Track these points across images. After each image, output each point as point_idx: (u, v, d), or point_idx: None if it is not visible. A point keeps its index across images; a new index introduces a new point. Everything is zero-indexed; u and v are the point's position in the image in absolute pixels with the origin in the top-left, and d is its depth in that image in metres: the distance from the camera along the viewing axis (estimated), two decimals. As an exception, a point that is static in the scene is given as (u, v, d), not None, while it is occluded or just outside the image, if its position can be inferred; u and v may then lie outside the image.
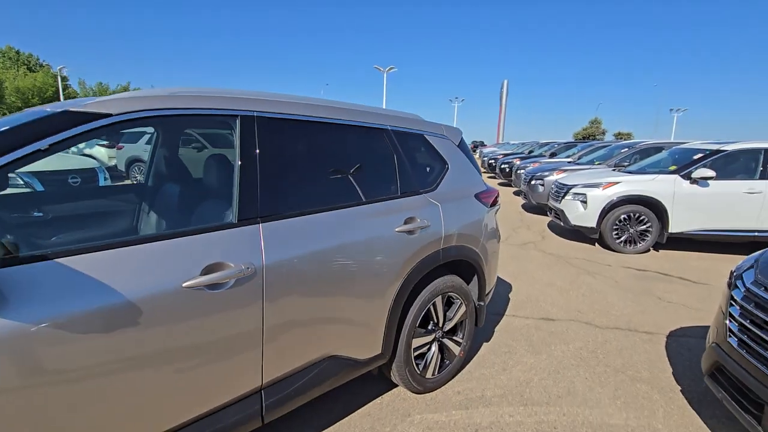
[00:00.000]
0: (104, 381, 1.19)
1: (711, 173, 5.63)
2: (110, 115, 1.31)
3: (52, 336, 1.09)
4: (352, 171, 1.96)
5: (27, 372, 1.07)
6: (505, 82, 42.90)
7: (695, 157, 6.05)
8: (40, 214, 1.61)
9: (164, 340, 1.29)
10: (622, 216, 5.90)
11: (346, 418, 2.17)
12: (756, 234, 5.63)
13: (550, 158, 12.05)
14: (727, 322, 2.02)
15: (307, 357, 1.74)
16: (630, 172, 6.60)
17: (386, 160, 2.15)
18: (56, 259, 1.12)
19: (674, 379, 2.66)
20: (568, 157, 11.66)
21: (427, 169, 2.38)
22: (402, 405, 2.30)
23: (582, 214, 6.14)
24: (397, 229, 2.02)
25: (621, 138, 47.75)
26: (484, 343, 3.04)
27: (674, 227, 5.79)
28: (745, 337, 1.86)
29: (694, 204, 5.73)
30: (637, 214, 5.88)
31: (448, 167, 2.47)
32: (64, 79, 35.78)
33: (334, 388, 2.36)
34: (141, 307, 1.23)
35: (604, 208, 5.95)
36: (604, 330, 3.33)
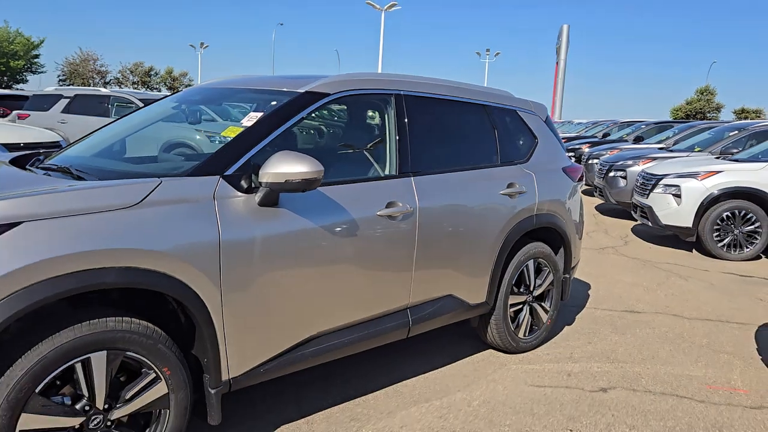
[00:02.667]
0: (335, 269, 2.94)
1: (830, 161, 7.58)
2: (328, 94, 3.09)
3: (312, 235, 2.83)
4: (466, 140, 3.77)
5: (291, 256, 2.79)
6: (565, 28, 41.25)
7: (814, 142, 8.02)
8: None
9: (365, 250, 3.04)
10: (725, 214, 7.80)
11: (452, 364, 3.93)
12: None
13: (634, 143, 14.09)
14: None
15: (436, 291, 3.50)
16: (737, 161, 8.56)
17: (488, 132, 3.96)
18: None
19: (757, 354, 4.47)
20: (659, 142, 13.68)
21: (520, 142, 4.20)
22: (497, 359, 4.06)
23: (675, 210, 8.03)
24: (501, 192, 3.81)
25: (745, 117, 50.62)
26: (566, 327, 4.83)
27: (788, 228, 7.70)
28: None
29: (811, 199, 7.65)
30: (743, 212, 7.79)
31: (537, 141, 4.29)
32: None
33: (435, 343, 4.13)
34: (359, 224, 2.98)
35: (702, 203, 7.84)
36: (692, 320, 5.15)
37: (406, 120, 3.40)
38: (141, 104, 12.83)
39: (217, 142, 11.52)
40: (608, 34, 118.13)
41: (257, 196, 2.64)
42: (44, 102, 13.61)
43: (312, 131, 3.62)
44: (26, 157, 3.37)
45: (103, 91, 14.27)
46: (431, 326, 3.55)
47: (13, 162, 3.18)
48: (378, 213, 3.09)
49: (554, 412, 3.38)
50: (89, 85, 56.80)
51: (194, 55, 65.52)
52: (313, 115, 3.11)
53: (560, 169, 4.40)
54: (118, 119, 3.88)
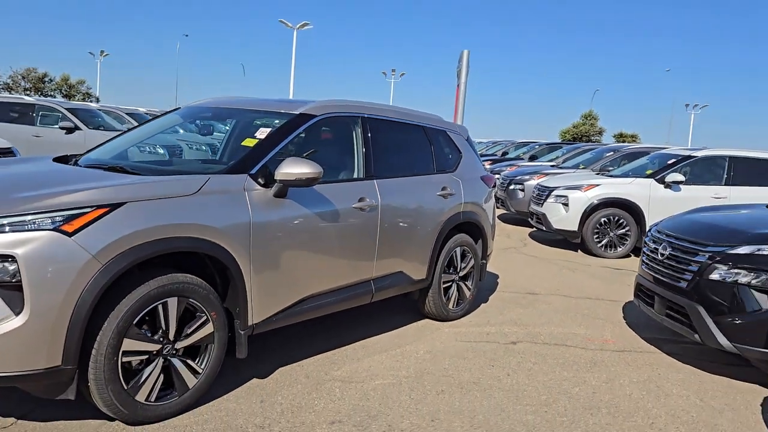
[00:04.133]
0: (324, 246, 3.90)
1: (681, 178, 9.34)
2: (316, 116, 4.07)
3: (309, 220, 3.79)
4: (411, 153, 4.86)
5: (295, 235, 3.74)
6: (465, 53, 46.01)
7: (669, 162, 9.82)
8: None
9: (344, 233, 4.03)
10: (602, 219, 9.39)
11: (400, 329, 4.97)
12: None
13: (530, 161, 15.87)
14: (642, 257, 5.22)
15: (390, 268, 4.54)
16: (612, 176, 10.26)
17: (426, 147, 5.07)
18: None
19: (623, 319, 5.85)
20: (551, 160, 15.54)
21: (449, 155, 5.35)
22: (433, 325, 5.16)
23: (564, 217, 9.54)
24: (437, 194, 4.92)
25: (623, 140, 55.77)
26: (483, 303, 6.01)
27: (651, 231, 9.40)
28: (644, 258, 5.05)
29: (667, 208, 9.32)
30: (617, 218, 9.42)
31: (462, 155, 5.46)
32: None
33: (385, 314, 5.16)
34: (340, 213, 3.97)
35: (585, 210, 9.40)
36: (577, 299, 6.51)
37: (369, 135, 4.43)
38: (68, 113, 13.03)
39: (147, 151, 12.03)
40: (504, 57, 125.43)
41: (272, 190, 3.56)
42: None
43: (305, 142, 4.55)
44: (63, 158, 4.09)
45: (28, 99, 14.24)
46: (387, 295, 4.58)
47: (56, 161, 3.92)
48: (353, 205, 4.10)
49: (479, 356, 4.50)
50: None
51: (93, 62, 62.78)
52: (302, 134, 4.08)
53: (479, 177, 5.59)
54: (129, 130, 4.65)
